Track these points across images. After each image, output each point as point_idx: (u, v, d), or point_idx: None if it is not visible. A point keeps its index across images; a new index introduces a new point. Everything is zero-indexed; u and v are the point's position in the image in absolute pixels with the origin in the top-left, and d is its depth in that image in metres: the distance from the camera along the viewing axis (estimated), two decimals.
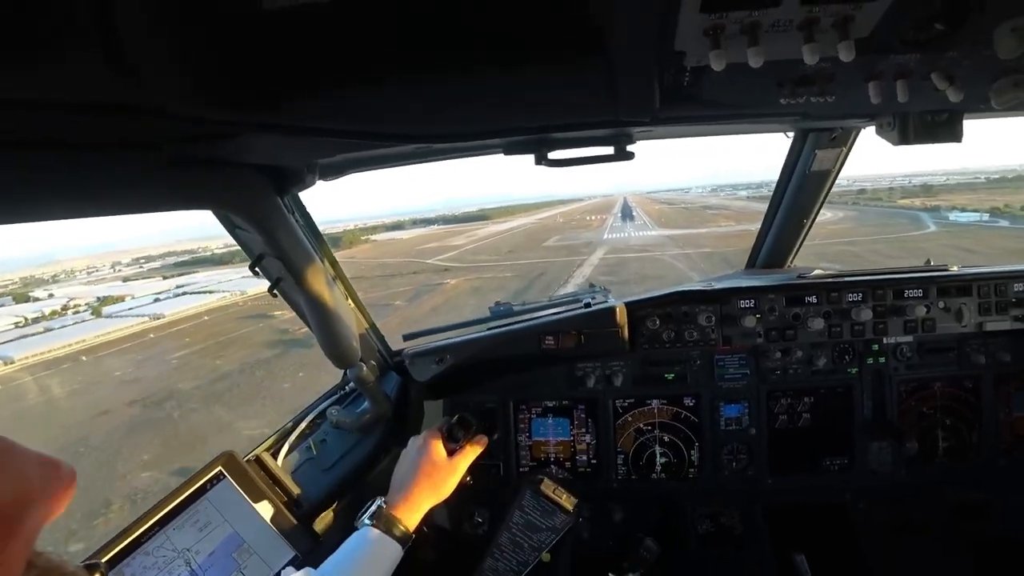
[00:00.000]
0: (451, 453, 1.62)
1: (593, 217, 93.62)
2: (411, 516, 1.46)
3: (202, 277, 58.43)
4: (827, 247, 32.93)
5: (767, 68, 0.81)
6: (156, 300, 44.21)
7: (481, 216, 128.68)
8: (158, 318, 35.53)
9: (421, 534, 1.53)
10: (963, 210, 52.23)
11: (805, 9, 0.74)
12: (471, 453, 1.65)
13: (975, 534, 1.97)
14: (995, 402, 2.04)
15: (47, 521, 0.41)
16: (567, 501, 1.73)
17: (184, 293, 46.14)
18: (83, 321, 39.20)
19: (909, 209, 61.18)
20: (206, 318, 34.18)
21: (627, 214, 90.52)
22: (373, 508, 1.46)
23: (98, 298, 48.50)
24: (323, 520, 1.64)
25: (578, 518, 1.69)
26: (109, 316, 39.49)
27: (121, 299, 47.77)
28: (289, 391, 16.57)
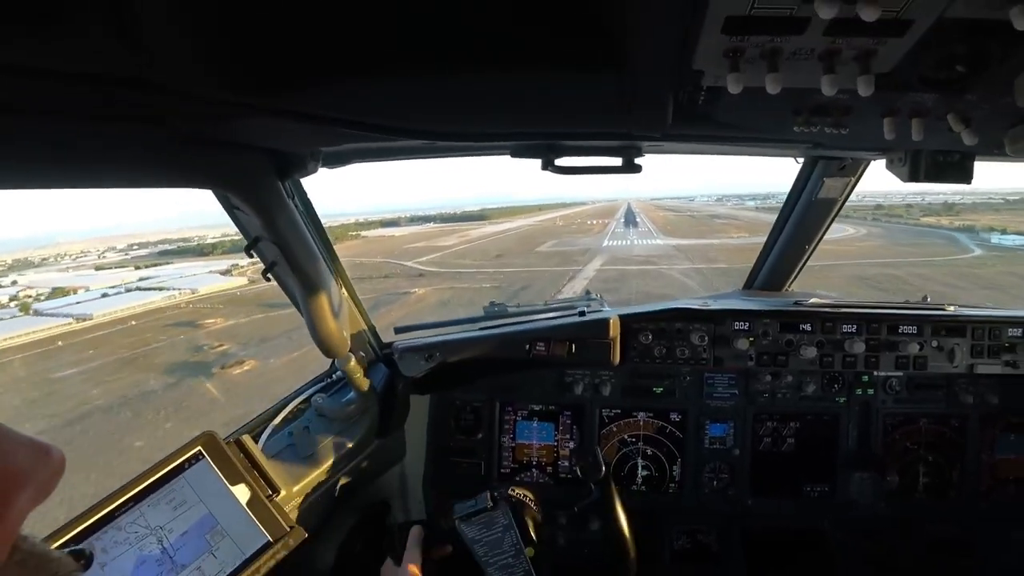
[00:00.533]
0: (399, 560, 1.54)
1: (595, 221, 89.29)
2: None
3: (171, 270, 55.17)
4: (865, 268, 30.57)
5: (783, 95, 0.80)
6: (104, 296, 40.95)
7: (480, 216, 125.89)
8: (84, 319, 32.17)
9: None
10: (1004, 232, 48.03)
11: (828, 40, 0.73)
12: (414, 545, 1.56)
13: (951, 573, 1.98)
14: (979, 443, 2.04)
15: (35, 505, 0.41)
16: (485, 502, 1.64)
17: (137, 288, 43.12)
18: (13, 318, 35.46)
19: (937, 228, 56.49)
20: (132, 323, 30.77)
21: (631, 220, 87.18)
22: None
23: (52, 288, 44.99)
24: (299, 508, 1.63)
25: (509, 499, 1.62)
26: (39, 314, 35.70)
27: (73, 291, 44.15)
28: (130, 458, 13.32)
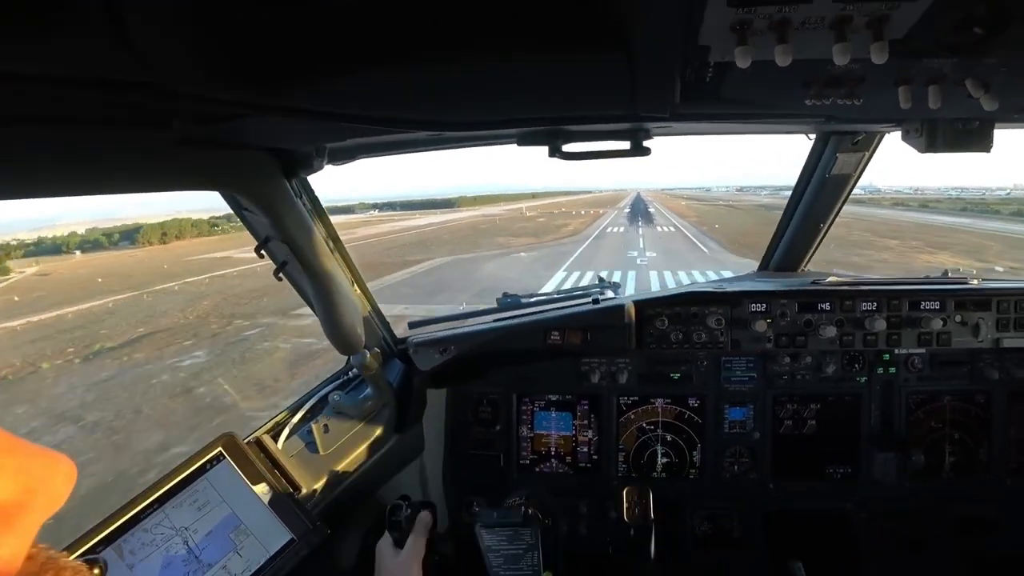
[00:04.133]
0: (400, 543, 1.54)
1: (584, 211, 62.88)
2: None
3: None
4: None
5: (794, 67, 0.78)
6: None
7: (447, 204, 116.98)
8: None
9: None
10: None
11: (838, 6, 0.70)
12: (419, 534, 1.56)
13: (977, 552, 1.94)
14: (1006, 419, 2.00)
15: (48, 514, 0.41)
16: (514, 515, 1.57)
17: None
18: None
19: None
20: None
21: (639, 211, 59.37)
22: None
23: None
24: (321, 505, 1.64)
25: (544, 520, 1.56)
26: None
27: None
28: None
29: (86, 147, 0.91)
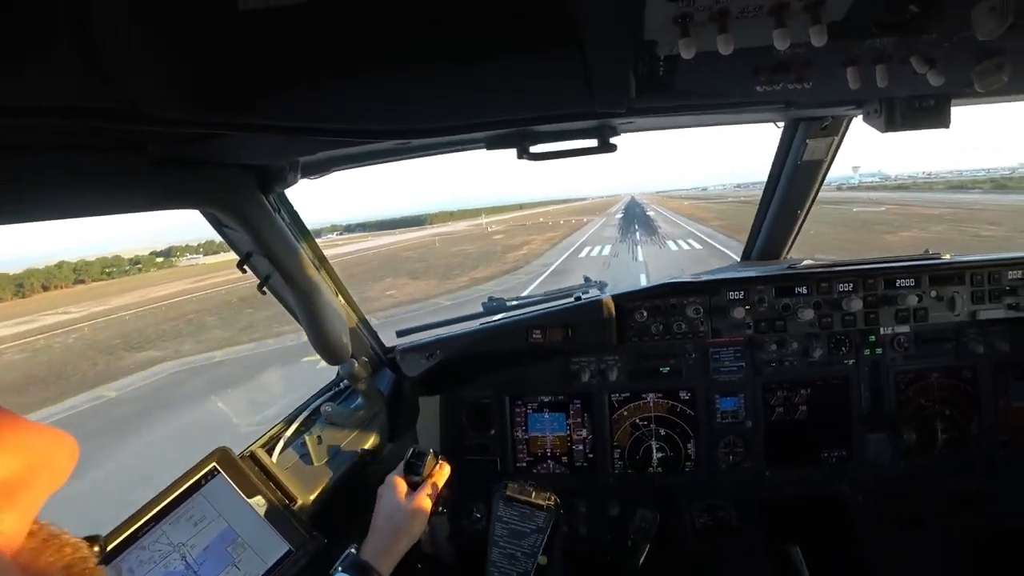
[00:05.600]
0: (415, 487, 1.54)
1: (564, 221, 53.74)
2: (383, 560, 1.41)
3: None
4: None
5: (741, 55, 0.81)
6: None
7: (417, 222, 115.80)
8: None
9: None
10: None
11: None
12: (433, 485, 1.56)
13: (972, 526, 1.95)
14: (993, 392, 2.02)
15: (51, 491, 0.42)
16: (540, 498, 1.61)
17: None
18: None
19: None
20: None
21: (635, 218, 49.64)
22: (346, 556, 1.41)
23: None
24: (318, 516, 1.65)
25: (559, 511, 1.60)
26: None
27: None
28: None
29: (63, 173, 0.93)
